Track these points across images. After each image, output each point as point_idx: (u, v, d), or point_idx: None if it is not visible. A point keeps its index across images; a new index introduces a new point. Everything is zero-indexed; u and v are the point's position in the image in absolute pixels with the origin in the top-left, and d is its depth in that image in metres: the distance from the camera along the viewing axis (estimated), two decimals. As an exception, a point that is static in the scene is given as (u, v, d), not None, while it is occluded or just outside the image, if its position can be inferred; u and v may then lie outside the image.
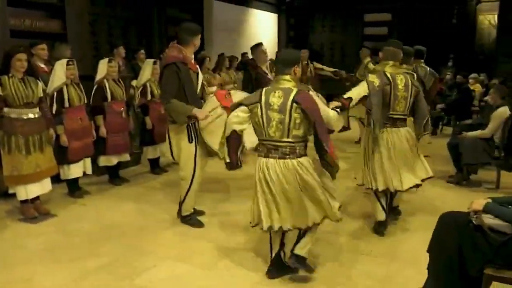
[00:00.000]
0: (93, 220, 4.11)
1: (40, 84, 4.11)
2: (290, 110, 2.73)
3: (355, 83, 7.21)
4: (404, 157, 3.69)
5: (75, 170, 4.60)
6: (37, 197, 4.18)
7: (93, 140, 4.78)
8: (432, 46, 6.12)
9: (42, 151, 4.03)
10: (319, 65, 7.34)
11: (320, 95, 3.17)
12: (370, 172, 3.74)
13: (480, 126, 5.28)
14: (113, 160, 5.07)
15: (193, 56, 3.89)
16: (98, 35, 7.49)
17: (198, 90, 3.86)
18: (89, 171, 4.81)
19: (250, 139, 3.20)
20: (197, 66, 3.99)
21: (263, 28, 12.71)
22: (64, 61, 4.43)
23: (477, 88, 8.90)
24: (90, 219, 4.13)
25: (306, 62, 7.13)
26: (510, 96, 5.39)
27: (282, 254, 3.04)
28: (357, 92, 3.36)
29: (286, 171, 2.79)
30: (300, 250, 2.99)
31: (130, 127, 5.22)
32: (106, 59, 4.94)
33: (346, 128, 6.33)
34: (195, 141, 3.76)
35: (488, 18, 12.21)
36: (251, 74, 5.09)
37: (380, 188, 3.69)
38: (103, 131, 4.85)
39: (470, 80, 9.01)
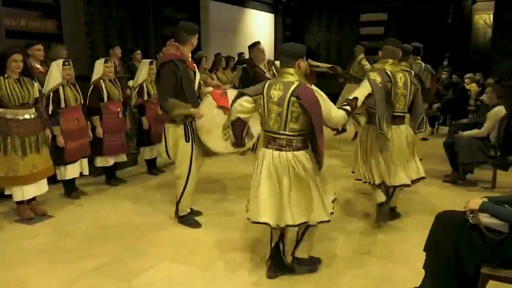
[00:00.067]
0: (90, 221, 4.10)
1: (36, 85, 4.10)
2: (288, 103, 2.74)
3: (349, 79, 7.29)
4: (400, 154, 3.74)
5: (71, 171, 4.59)
6: (34, 198, 4.17)
7: (90, 140, 4.77)
8: (427, 45, 6.13)
9: (38, 152, 4.02)
10: (314, 62, 7.34)
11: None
12: (367, 166, 3.81)
13: (476, 125, 5.29)
14: (110, 161, 5.06)
15: (190, 55, 3.89)
16: (94, 35, 7.48)
17: (196, 89, 3.86)
18: (86, 171, 4.79)
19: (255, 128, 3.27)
20: (195, 65, 3.99)
21: (259, 28, 12.72)
22: (60, 61, 4.42)
23: (473, 87, 8.93)
24: (87, 220, 4.12)
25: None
26: (505, 95, 5.42)
27: (281, 246, 3.03)
28: (361, 92, 3.34)
29: (278, 164, 2.80)
30: (300, 253, 3.02)
31: (127, 128, 5.21)
32: (102, 60, 4.92)
33: (343, 130, 6.36)
34: (192, 140, 3.76)
35: (484, 18, 12.25)
36: (248, 72, 5.08)
37: (377, 182, 3.78)
38: (99, 131, 4.84)
39: (466, 80, 9.04)
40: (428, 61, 5.88)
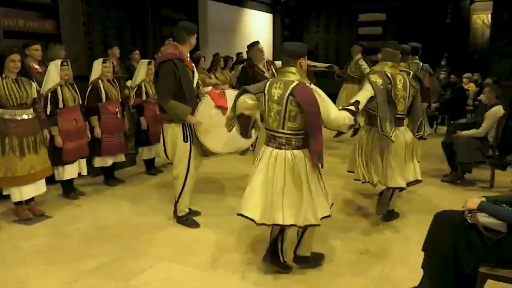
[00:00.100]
0: (88, 221, 4.09)
1: (34, 85, 4.09)
2: (286, 102, 2.75)
3: (346, 79, 7.30)
4: (398, 156, 3.73)
5: (70, 171, 4.58)
6: (32, 199, 4.16)
7: (88, 141, 4.76)
8: (426, 45, 6.14)
9: (36, 152, 4.01)
10: (311, 62, 7.34)
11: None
12: (366, 167, 3.82)
13: (474, 125, 5.30)
14: (108, 161, 5.06)
15: (189, 55, 3.88)
16: (92, 36, 7.47)
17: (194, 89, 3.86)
18: (84, 172, 4.79)
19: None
20: (193, 64, 3.98)
21: (258, 28, 12.72)
22: (58, 61, 4.41)
23: (471, 87, 8.95)
24: (85, 220, 4.12)
25: None
26: (503, 95, 5.43)
27: (279, 244, 3.04)
28: (364, 95, 3.32)
29: (274, 162, 2.81)
30: (303, 251, 3.04)
31: (125, 128, 5.21)
32: (101, 60, 4.92)
33: (342, 131, 6.36)
34: (190, 140, 3.76)
35: (482, 18, 12.28)
36: (247, 72, 5.08)
37: (375, 181, 3.80)
38: (97, 131, 4.84)
39: (464, 80, 9.07)
40: (426, 61, 5.89)
